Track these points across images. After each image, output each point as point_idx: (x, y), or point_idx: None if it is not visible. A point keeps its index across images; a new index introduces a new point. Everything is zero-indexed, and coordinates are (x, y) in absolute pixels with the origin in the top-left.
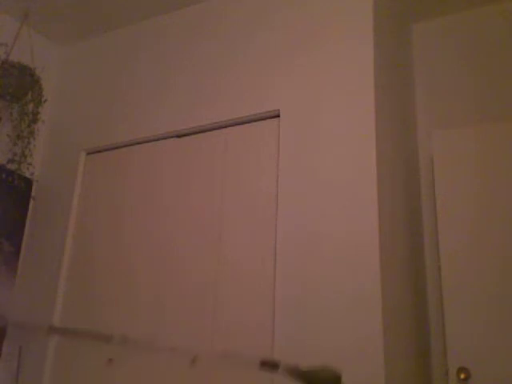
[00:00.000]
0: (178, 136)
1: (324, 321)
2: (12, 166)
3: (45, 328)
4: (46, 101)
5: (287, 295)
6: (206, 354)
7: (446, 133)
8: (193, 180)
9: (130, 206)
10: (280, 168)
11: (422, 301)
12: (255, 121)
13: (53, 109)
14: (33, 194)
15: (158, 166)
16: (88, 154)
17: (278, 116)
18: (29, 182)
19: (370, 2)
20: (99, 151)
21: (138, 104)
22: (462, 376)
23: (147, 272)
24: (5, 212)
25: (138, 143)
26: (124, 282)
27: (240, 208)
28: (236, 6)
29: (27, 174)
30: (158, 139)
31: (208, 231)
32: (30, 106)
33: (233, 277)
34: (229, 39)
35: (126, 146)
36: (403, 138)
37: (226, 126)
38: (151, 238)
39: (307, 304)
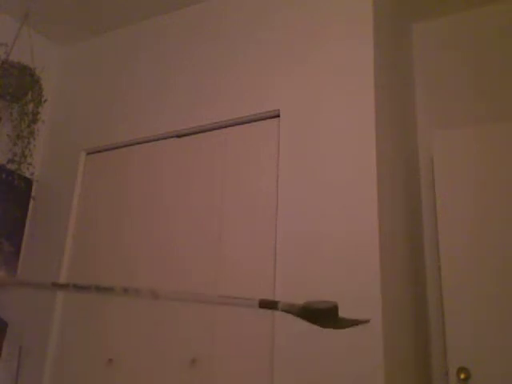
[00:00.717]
0: (178, 136)
1: None
2: (12, 166)
3: (48, 284)
4: (45, 101)
5: (287, 295)
6: (209, 297)
7: (446, 133)
8: (193, 180)
9: (130, 205)
10: (280, 168)
11: (422, 301)
12: (255, 121)
13: (53, 109)
14: (33, 194)
15: (158, 166)
16: (88, 153)
17: (278, 116)
18: (29, 182)
19: (369, 2)
20: (99, 151)
21: (138, 104)
22: (462, 376)
23: (147, 272)
24: (5, 212)
25: (138, 143)
26: (124, 281)
27: (240, 208)
28: (236, 6)
29: (27, 174)
30: (158, 139)
31: (208, 231)
32: (30, 106)
33: (233, 277)
34: (229, 39)
35: (126, 145)
36: (403, 138)
37: (225, 126)
38: (151, 238)
39: None
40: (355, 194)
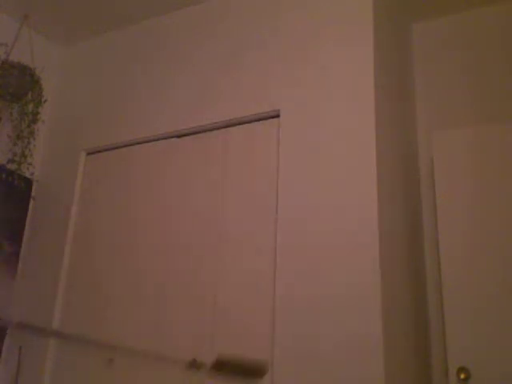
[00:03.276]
0: (179, 136)
1: (324, 321)
2: (12, 166)
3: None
4: (46, 101)
5: (287, 296)
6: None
7: (446, 133)
8: (193, 180)
9: (130, 206)
10: (280, 168)
11: (422, 301)
12: (255, 121)
13: (53, 109)
14: (33, 194)
15: (159, 167)
16: (88, 154)
17: (278, 116)
18: (29, 182)
19: (369, 2)
20: (99, 151)
21: (138, 104)
22: (462, 376)
23: (148, 272)
24: (5, 212)
25: (139, 143)
26: (124, 282)
27: (240, 208)
28: (236, 7)
29: (27, 174)
30: (158, 139)
31: (208, 231)
32: (30, 106)
33: (233, 276)
34: (229, 39)
35: (126, 146)
36: (403, 138)
37: (226, 126)
38: (152, 238)
39: (307, 304)
40: (355, 194)
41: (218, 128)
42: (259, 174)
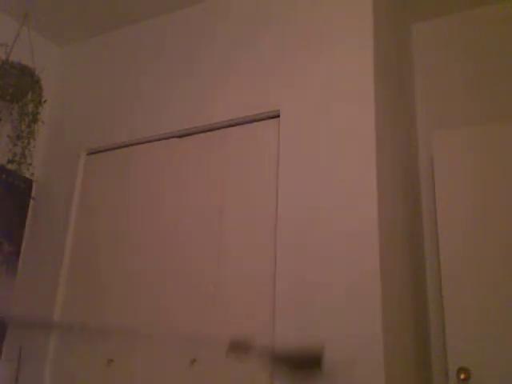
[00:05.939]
0: (179, 136)
1: (324, 321)
2: (12, 167)
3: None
4: (45, 101)
5: (286, 295)
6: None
7: (446, 133)
8: (193, 180)
9: (130, 206)
10: (280, 168)
11: (422, 301)
12: (255, 121)
13: (53, 109)
14: (33, 194)
15: (159, 167)
16: (88, 154)
17: (278, 116)
18: (29, 182)
19: (369, 3)
20: (100, 151)
21: (139, 104)
22: (462, 376)
23: (148, 272)
24: (5, 212)
25: (139, 143)
26: (124, 282)
27: (240, 208)
28: (236, 7)
29: (27, 175)
30: (158, 139)
31: (208, 231)
32: (30, 107)
33: (233, 276)
34: (229, 39)
35: (126, 146)
36: (403, 138)
37: (226, 126)
38: (152, 238)
39: (307, 305)
40: (355, 194)
41: (218, 128)
42: (259, 174)
